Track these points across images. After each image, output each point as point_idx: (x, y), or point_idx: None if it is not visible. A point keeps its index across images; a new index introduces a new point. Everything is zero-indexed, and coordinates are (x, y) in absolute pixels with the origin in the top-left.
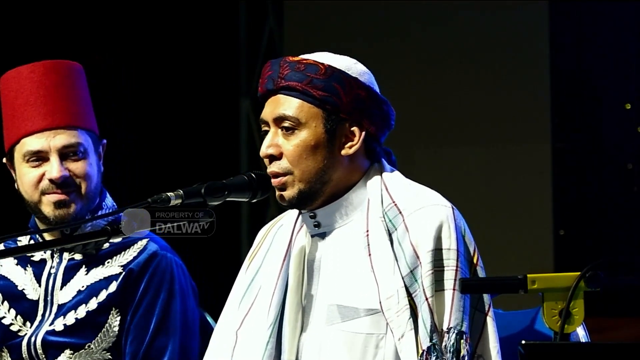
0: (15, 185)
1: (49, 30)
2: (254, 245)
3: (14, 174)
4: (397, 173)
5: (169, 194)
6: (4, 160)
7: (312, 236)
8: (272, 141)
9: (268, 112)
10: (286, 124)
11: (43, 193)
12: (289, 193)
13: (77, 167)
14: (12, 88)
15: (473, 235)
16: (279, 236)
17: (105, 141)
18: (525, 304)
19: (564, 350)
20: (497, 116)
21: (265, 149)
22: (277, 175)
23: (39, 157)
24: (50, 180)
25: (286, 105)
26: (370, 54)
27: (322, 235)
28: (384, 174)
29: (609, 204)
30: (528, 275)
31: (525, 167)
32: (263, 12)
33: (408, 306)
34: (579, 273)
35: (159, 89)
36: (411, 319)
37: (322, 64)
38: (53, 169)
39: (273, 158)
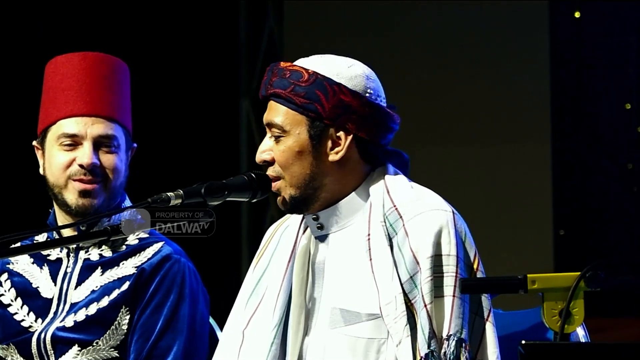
0: (40, 170)
1: (48, 29)
2: (262, 245)
3: (41, 158)
4: (400, 176)
5: (169, 194)
6: (34, 143)
7: (316, 238)
8: (266, 146)
9: (264, 116)
10: (274, 130)
11: (70, 178)
12: (283, 198)
13: (108, 159)
14: (58, 72)
15: (473, 235)
16: (285, 237)
17: (135, 145)
18: (525, 304)
19: (564, 350)
20: (497, 116)
21: (259, 155)
22: (272, 179)
23: (74, 141)
24: (80, 166)
25: (274, 112)
26: (370, 53)
27: (326, 237)
28: (386, 177)
29: (609, 204)
30: (528, 275)
31: (525, 167)
32: (263, 12)
33: (405, 312)
34: (579, 273)
35: (159, 89)
36: (408, 325)
37: (307, 70)
38: (85, 155)
39: (268, 163)
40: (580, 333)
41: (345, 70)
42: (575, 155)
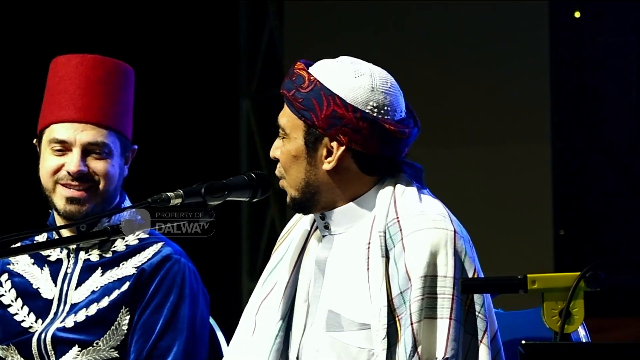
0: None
1: (48, 29)
2: (285, 229)
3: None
4: (411, 188)
5: (169, 194)
6: (35, 141)
7: (323, 236)
8: (276, 144)
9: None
10: (280, 130)
11: (58, 182)
12: (287, 197)
13: (97, 165)
14: (57, 73)
15: (473, 235)
16: (301, 228)
17: (136, 147)
18: (525, 304)
19: (564, 350)
20: (497, 116)
21: (271, 151)
22: (279, 177)
23: (63, 147)
24: (68, 173)
25: (283, 112)
26: (370, 53)
27: (332, 237)
28: (397, 187)
29: (609, 204)
30: (528, 275)
31: (525, 167)
32: (263, 12)
33: (386, 326)
34: (579, 273)
35: (159, 89)
36: (386, 339)
37: (309, 77)
38: (72, 162)
39: (277, 160)
40: (581, 333)
41: (349, 81)
42: (575, 155)
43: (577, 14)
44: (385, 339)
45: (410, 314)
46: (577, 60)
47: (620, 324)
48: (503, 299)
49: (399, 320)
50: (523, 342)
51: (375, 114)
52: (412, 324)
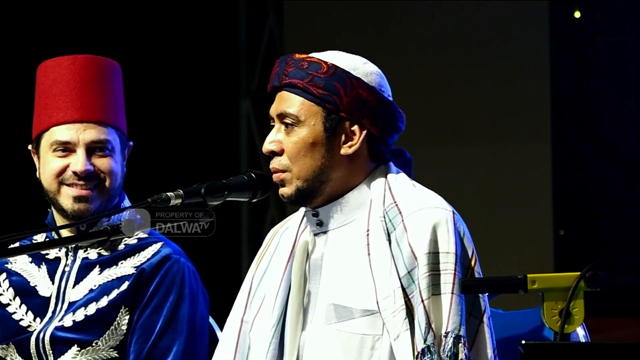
0: (37, 174)
1: (49, 29)
2: (261, 248)
3: (36, 162)
4: (402, 175)
5: (169, 194)
6: (29, 147)
7: (316, 234)
8: (274, 137)
9: (273, 108)
10: (287, 120)
11: (63, 184)
12: (287, 190)
13: (102, 162)
14: (49, 77)
15: (473, 235)
16: (285, 237)
17: (131, 143)
18: (525, 304)
19: (564, 350)
20: (498, 116)
21: (267, 145)
22: (276, 171)
23: (66, 148)
24: (74, 173)
25: (289, 102)
26: (370, 53)
27: (325, 234)
28: (389, 175)
29: (609, 204)
30: (528, 275)
31: (525, 167)
32: (263, 12)
33: (404, 306)
34: (579, 273)
35: (159, 89)
36: (407, 319)
37: (326, 62)
38: (79, 162)
39: (274, 154)
40: (580, 333)
41: (361, 66)
42: (575, 155)
43: (577, 14)
44: (407, 320)
45: (420, 291)
46: (577, 60)
47: (620, 324)
48: (503, 299)
49: (409, 300)
50: (523, 342)
51: (387, 97)
52: (422, 301)
